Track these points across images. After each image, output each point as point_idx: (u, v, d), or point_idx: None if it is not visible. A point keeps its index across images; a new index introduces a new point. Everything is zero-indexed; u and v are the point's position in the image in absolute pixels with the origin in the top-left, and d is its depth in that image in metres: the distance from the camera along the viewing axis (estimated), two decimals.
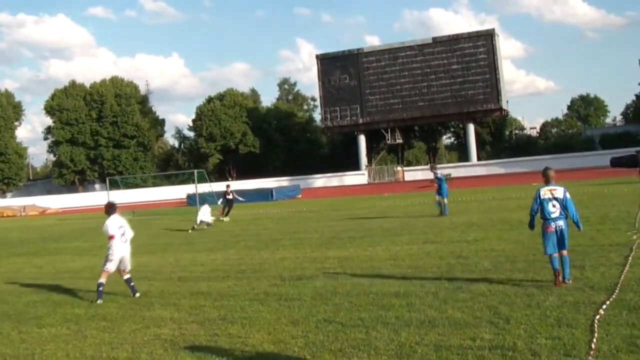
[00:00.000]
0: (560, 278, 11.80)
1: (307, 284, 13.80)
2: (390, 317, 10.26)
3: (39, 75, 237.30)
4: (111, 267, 14.01)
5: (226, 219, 36.93)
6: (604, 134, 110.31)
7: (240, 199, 40.61)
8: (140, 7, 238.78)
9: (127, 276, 14.20)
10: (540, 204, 12.13)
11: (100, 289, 13.85)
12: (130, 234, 14.27)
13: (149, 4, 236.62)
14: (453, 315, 10.01)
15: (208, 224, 31.93)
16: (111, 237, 13.93)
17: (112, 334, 10.78)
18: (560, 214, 11.99)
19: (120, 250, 14.00)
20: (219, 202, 40.55)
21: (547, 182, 12.35)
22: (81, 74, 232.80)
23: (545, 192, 12.15)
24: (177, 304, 12.80)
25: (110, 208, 14.47)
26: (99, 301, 13.63)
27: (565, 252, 11.97)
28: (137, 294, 13.98)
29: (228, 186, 42.92)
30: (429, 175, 34.48)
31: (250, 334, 9.97)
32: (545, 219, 12.03)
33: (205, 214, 32.20)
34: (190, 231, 31.33)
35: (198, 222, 32.02)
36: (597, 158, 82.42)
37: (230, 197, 39.52)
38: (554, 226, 11.95)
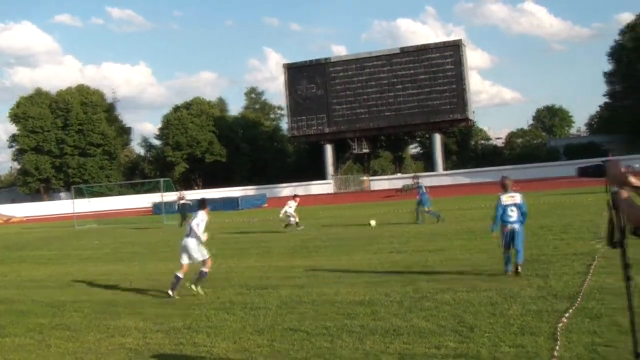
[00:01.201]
0: (513, 268, 13.72)
1: (272, 293, 13.80)
2: (355, 325, 10.30)
3: (4, 83, 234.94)
4: (181, 259, 14.89)
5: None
6: (568, 145, 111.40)
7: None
8: (108, 15, 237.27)
9: (202, 269, 14.64)
10: (504, 208, 13.75)
11: (174, 280, 14.64)
12: (200, 231, 14.70)
13: (117, 12, 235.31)
14: (418, 324, 10.06)
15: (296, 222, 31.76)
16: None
17: (77, 343, 10.70)
18: (517, 218, 13.74)
19: (183, 241, 14.80)
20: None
21: (505, 190, 13.95)
22: (47, 82, 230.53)
23: (506, 199, 13.81)
24: (142, 313, 12.74)
25: (199, 204, 15.41)
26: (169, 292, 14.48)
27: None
28: (192, 286, 14.44)
29: (181, 192, 43.08)
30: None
31: (215, 343, 9.96)
32: (504, 221, 13.77)
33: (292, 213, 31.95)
34: (299, 229, 30.74)
35: (295, 221, 31.68)
36: (562, 168, 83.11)
37: (184, 201, 39.76)
38: (510, 227, 13.85)
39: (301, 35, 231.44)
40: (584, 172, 5.90)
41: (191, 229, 14.64)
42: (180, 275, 14.44)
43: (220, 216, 48.74)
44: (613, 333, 8.79)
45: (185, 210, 39.03)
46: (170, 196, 58.36)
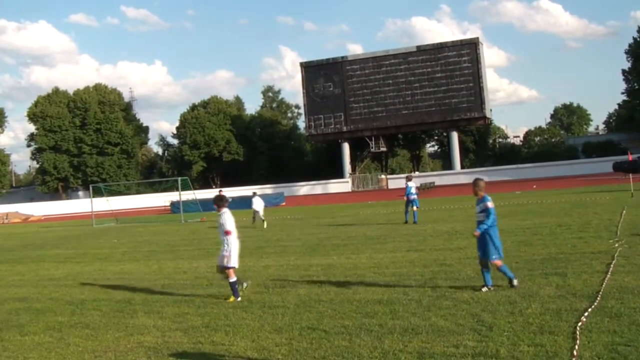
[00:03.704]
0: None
1: (290, 292, 13.80)
2: (373, 324, 10.29)
3: (20, 82, 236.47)
4: (236, 261, 13.60)
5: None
6: (586, 143, 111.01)
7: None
8: (123, 15, 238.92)
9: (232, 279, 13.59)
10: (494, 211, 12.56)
11: (237, 286, 13.50)
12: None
13: (132, 12, 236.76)
14: (436, 323, 10.04)
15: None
16: (228, 233, 13.54)
17: (95, 342, 10.74)
18: None
19: (238, 244, 13.73)
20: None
21: (484, 191, 12.82)
22: (63, 81, 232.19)
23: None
24: (160, 312, 12.76)
25: (222, 201, 14.13)
26: (239, 299, 13.33)
27: None
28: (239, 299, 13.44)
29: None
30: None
31: (233, 342, 9.97)
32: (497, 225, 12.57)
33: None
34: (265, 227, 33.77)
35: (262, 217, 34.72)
36: (580, 167, 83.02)
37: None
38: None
39: (316, 34, 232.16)
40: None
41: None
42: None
43: (237, 215, 48.77)
44: (633, 332, 8.74)
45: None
46: (188, 195, 58.62)
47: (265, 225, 33.83)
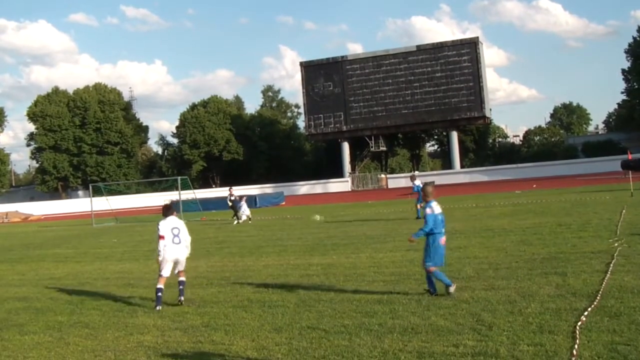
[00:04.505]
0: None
1: (290, 291, 13.78)
2: (373, 324, 10.28)
3: (20, 82, 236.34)
4: (165, 270, 13.46)
5: (240, 221, 38.83)
6: (586, 142, 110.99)
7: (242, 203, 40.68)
8: (122, 14, 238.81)
9: (181, 278, 13.59)
10: (436, 218, 12.38)
11: (159, 294, 13.24)
12: (186, 237, 13.71)
13: (131, 11, 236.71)
14: (436, 322, 10.04)
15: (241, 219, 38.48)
16: (160, 237, 13.42)
17: (95, 341, 10.73)
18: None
19: (173, 252, 13.46)
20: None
21: (431, 197, 12.66)
22: (63, 81, 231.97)
23: (437, 206, 12.50)
24: (160, 311, 12.75)
25: (167, 210, 14.06)
26: (157, 308, 13.01)
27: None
28: (182, 298, 13.32)
29: (231, 189, 43.57)
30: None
31: (233, 341, 9.96)
32: (440, 232, 12.38)
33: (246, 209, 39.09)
34: (235, 223, 37.53)
35: (244, 217, 38.43)
36: (580, 166, 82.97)
37: (233, 198, 40.30)
38: (444, 239, 12.61)
39: (316, 33, 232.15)
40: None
41: (181, 239, 13.63)
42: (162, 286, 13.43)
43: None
44: (633, 332, 8.73)
45: (235, 207, 39.89)
46: (188, 194, 58.59)
47: (235, 222, 37.85)
